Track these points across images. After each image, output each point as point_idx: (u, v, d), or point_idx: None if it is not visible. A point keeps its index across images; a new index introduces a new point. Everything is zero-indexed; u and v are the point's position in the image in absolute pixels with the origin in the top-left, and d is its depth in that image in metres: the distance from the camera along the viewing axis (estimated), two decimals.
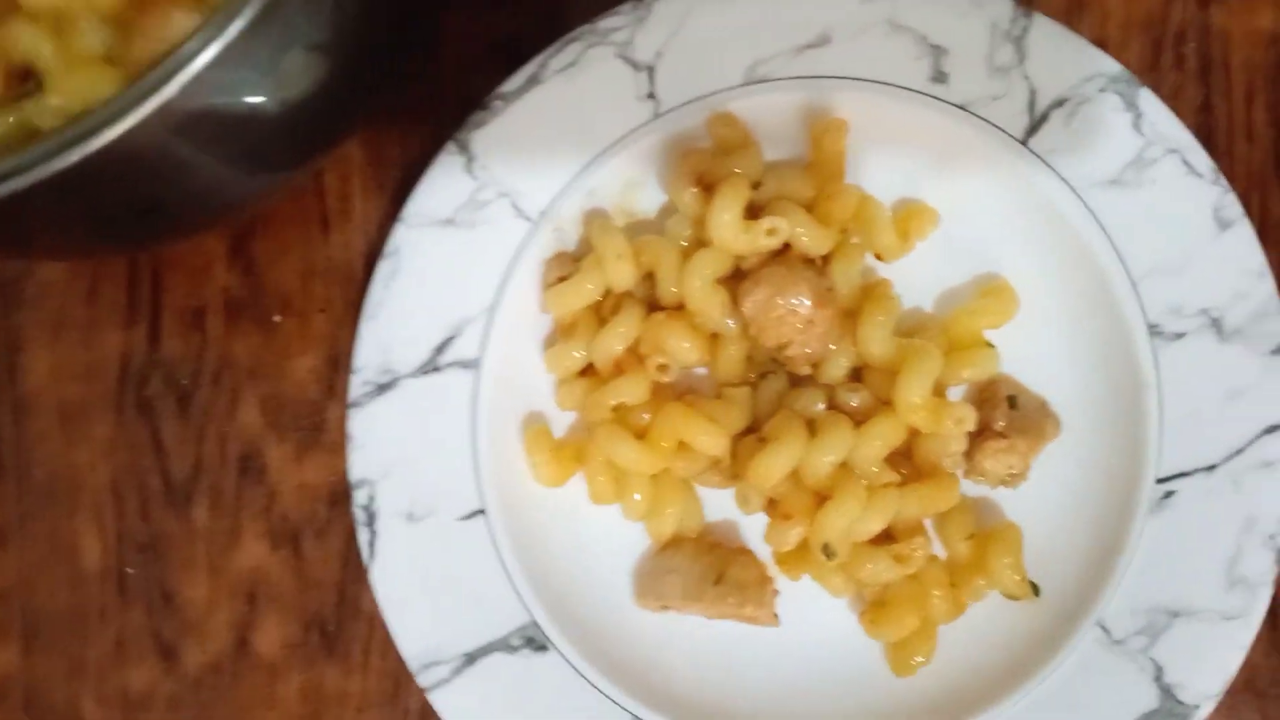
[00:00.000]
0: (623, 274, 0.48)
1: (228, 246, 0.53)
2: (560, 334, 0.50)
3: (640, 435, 0.48)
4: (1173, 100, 0.51)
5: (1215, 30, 0.52)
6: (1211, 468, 0.48)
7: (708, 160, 0.48)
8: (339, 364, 0.52)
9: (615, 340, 0.48)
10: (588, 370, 0.50)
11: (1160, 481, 0.48)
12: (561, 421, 0.51)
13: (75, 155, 0.35)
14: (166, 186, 0.41)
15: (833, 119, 0.48)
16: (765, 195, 0.48)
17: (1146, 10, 0.52)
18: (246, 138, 0.40)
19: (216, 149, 0.40)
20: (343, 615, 0.52)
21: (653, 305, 0.49)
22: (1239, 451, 0.48)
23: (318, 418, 0.52)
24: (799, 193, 0.48)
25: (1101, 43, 0.51)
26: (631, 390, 0.48)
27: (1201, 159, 0.48)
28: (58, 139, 0.35)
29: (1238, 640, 0.47)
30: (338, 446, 0.52)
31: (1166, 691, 0.47)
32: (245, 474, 0.52)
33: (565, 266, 0.49)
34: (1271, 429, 0.47)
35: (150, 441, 0.53)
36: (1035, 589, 0.49)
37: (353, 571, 0.52)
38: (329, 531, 0.52)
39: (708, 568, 0.49)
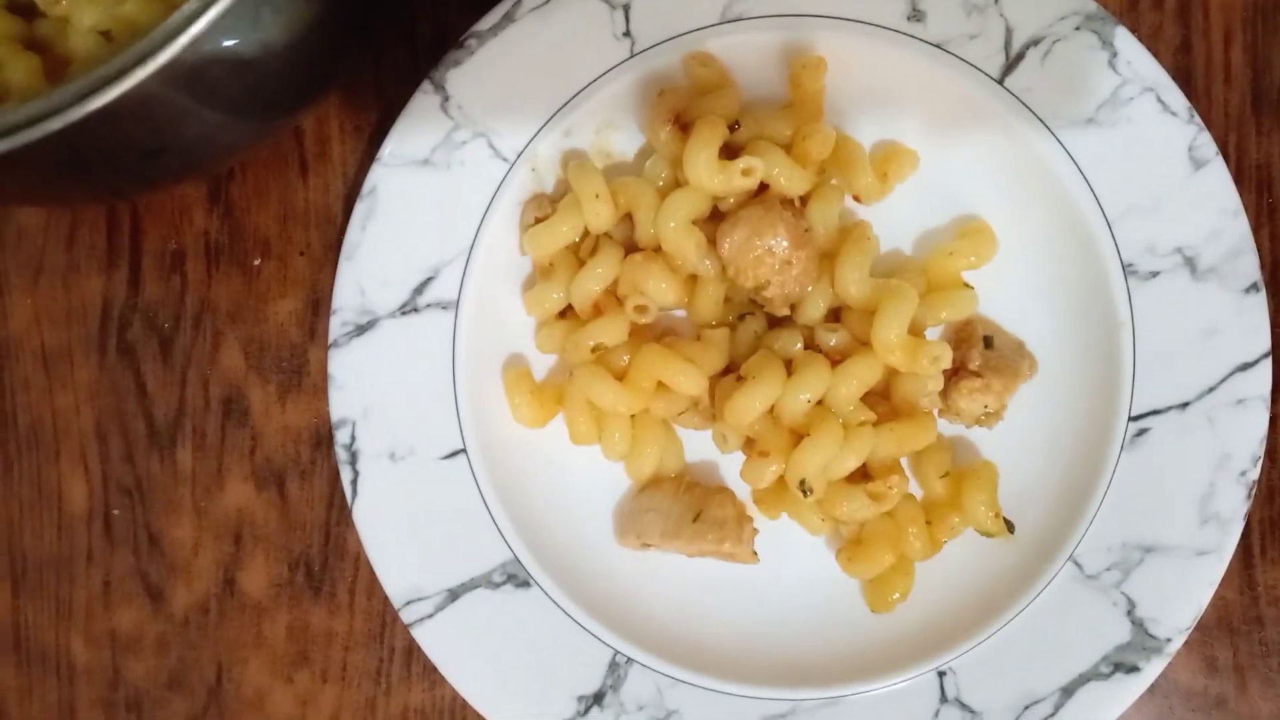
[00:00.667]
0: (600, 215, 0.48)
1: (206, 191, 0.53)
2: (539, 275, 0.50)
3: (620, 376, 0.49)
4: (1151, 40, 0.52)
5: None
6: (1185, 405, 0.48)
7: (685, 99, 0.48)
8: (320, 307, 0.52)
9: (593, 281, 0.48)
10: (567, 312, 0.50)
11: (1134, 419, 0.49)
12: (542, 363, 0.51)
13: (82, 110, 0.36)
14: (163, 137, 0.41)
15: (811, 56, 0.48)
16: (744, 136, 0.49)
17: None
18: (231, 89, 0.40)
19: (209, 98, 0.40)
20: (328, 556, 0.53)
21: (631, 247, 0.50)
22: (1212, 389, 0.48)
23: (299, 360, 0.53)
24: (777, 133, 0.49)
25: None
26: (610, 331, 0.48)
27: (1176, 98, 0.48)
28: (68, 93, 0.35)
29: (1209, 575, 0.48)
30: (320, 389, 0.52)
31: (1138, 625, 0.48)
32: (228, 416, 0.53)
33: (543, 208, 0.49)
34: (1244, 366, 0.48)
35: (133, 385, 0.53)
36: (1010, 526, 0.49)
37: (337, 512, 0.53)
38: (313, 473, 0.53)
39: (687, 506, 0.50)
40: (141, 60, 0.35)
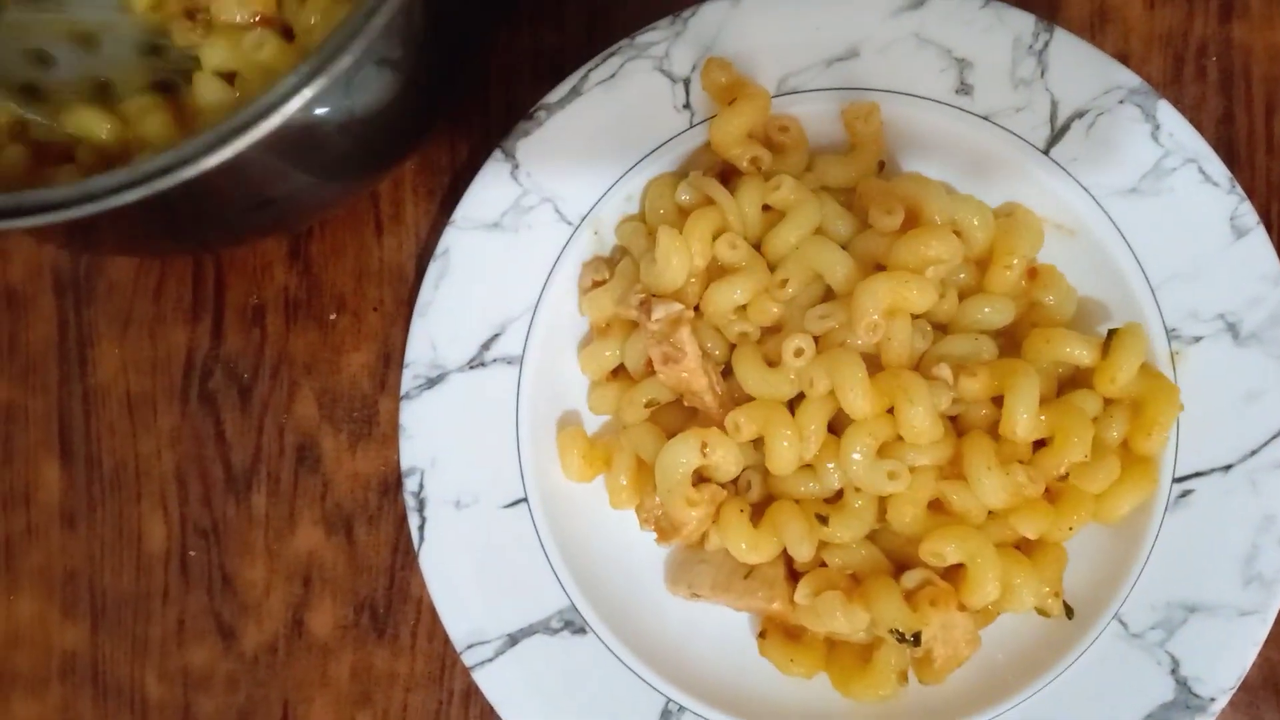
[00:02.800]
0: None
1: (287, 248, 0.56)
2: (595, 336, 0.52)
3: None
4: (1194, 112, 0.53)
5: (1236, 44, 0.54)
6: (1228, 468, 0.49)
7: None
8: (390, 360, 0.55)
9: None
10: (619, 371, 0.52)
11: (1178, 481, 0.49)
12: (594, 419, 0.53)
13: (181, 176, 0.38)
14: (254, 197, 0.44)
15: (864, 104, 0.50)
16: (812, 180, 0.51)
17: (1168, 24, 0.54)
18: (323, 151, 0.43)
19: (300, 162, 0.43)
20: (392, 599, 0.55)
21: None
22: (1254, 452, 0.49)
23: (370, 410, 0.55)
24: (842, 176, 0.50)
25: (1124, 56, 0.53)
26: (664, 389, 0.50)
27: (1218, 168, 0.49)
28: (170, 159, 0.38)
29: (1253, 635, 0.49)
30: (389, 438, 0.55)
31: (1183, 684, 0.49)
32: (302, 463, 0.55)
33: (600, 271, 0.52)
34: None
35: (213, 432, 0.56)
36: (1069, 611, 0.50)
37: (402, 557, 0.55)
38: (380, 519, 0.55)
39: (739, 562, 0.51)
40: (243, 129, 0.37)
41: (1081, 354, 0.48)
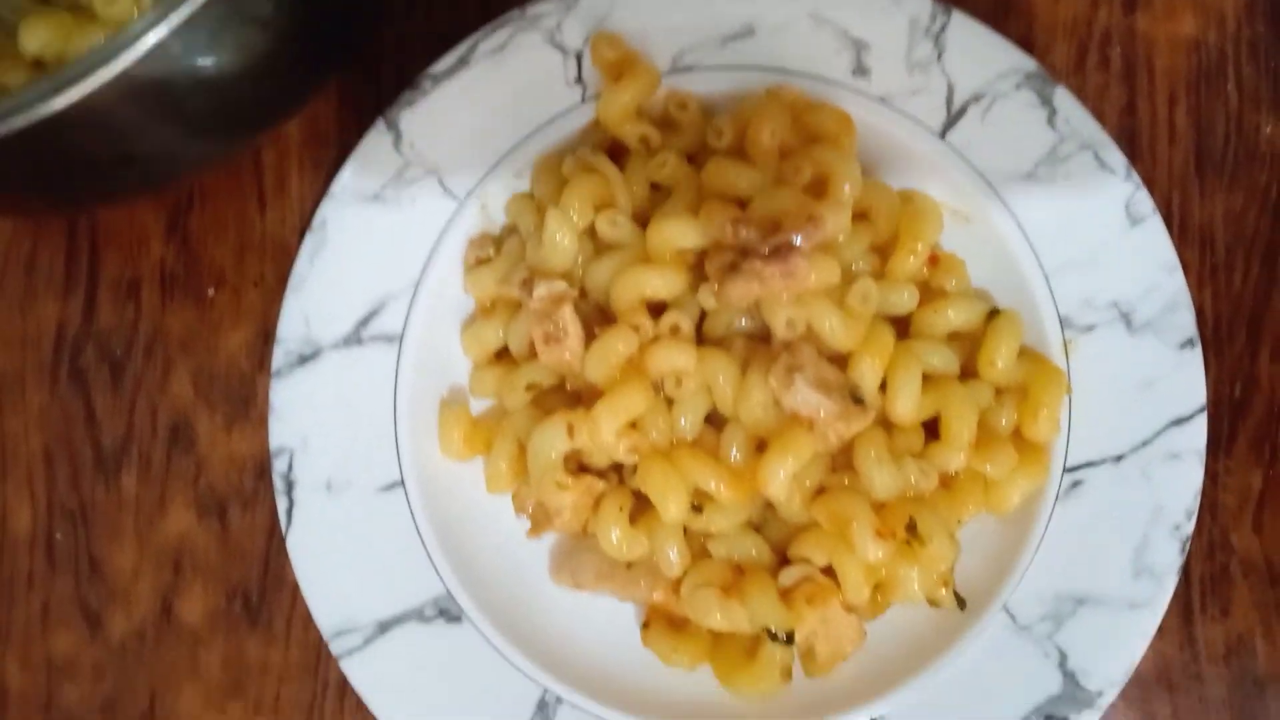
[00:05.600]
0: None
1: (165, 221, 0.54)
2: (480, 315, 0.51)
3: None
4: (1097, 101, 0.53)
5: (1140, 35, 0.54)
6: (1119, 458, 0.49)
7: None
8: (270, 338, 0.53)
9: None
10: (503, 354, 0.50)
11: (1069, 471, 0.49)
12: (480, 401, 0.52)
13: (28, 118, 0.36)
14: (114, 148, 0.42)
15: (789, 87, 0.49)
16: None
17: (1072, 13, 0.54)
18: (189, 106, 0.41)
19: (166, 113, 0.41)
20: (266, 586, 0.53)
21: None
22: (1146, 443, 0.48)
23: (248, 390, 0.53)
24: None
25: (1028, 44, 0.53)
26: (546, 371, 0.49)
27: (1114, 155, 0.49)
28: (17, 100, 0.36)
29: (1142, 628, 0.48)
30: (267, 419, 0.52)
31: (1070, 677, 0.48)
32: (175, 444, 0.53)
33: (486, 248, 0.50)
34: (1179, 421, 0.48)
35: (82, 411, 0.53)
36: (961, 602, 0.49)
37: (278, 543, 0.53)
38: (255, 503, 0.53)
39: None
40: (93, 69, 0.36)
41: (969, 318, 0.48)
